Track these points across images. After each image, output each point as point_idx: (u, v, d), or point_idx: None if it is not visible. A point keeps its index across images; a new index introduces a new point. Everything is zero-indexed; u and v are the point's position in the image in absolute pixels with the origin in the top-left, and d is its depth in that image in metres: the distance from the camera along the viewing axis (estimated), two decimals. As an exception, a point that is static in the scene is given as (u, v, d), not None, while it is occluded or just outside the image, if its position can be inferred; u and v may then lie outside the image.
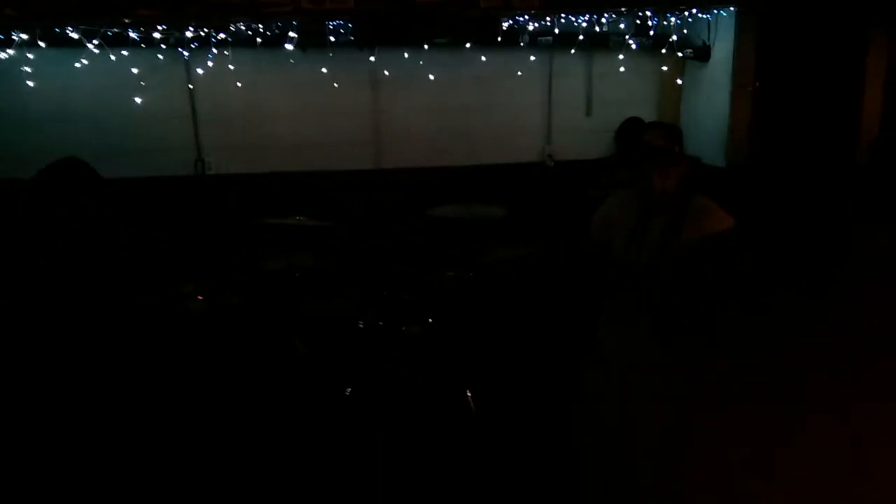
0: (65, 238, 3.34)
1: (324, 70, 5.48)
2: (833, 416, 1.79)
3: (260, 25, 4.98)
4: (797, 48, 5.15)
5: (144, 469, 3.14)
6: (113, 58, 5.05)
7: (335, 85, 5.61)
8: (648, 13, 5.27)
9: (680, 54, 5.66)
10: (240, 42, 5.20)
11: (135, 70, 5.27)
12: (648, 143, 2.66)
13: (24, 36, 4.68)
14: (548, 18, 5.33)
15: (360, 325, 3.94)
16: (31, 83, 5.07)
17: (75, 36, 4.64)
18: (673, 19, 5.41)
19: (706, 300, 2.42)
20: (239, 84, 5.50)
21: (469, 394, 3.72)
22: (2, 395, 3.09)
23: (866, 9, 4.64)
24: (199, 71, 5.44)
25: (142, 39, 4.99)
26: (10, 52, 4.82)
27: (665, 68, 5.88)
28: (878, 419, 1.80)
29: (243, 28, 5.04)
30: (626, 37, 5.52)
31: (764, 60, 5.31)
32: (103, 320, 3.29)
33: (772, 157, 5.36)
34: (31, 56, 4.97)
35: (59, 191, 3.41)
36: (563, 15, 5.27)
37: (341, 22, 5.01)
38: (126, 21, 4.31)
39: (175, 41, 5.13)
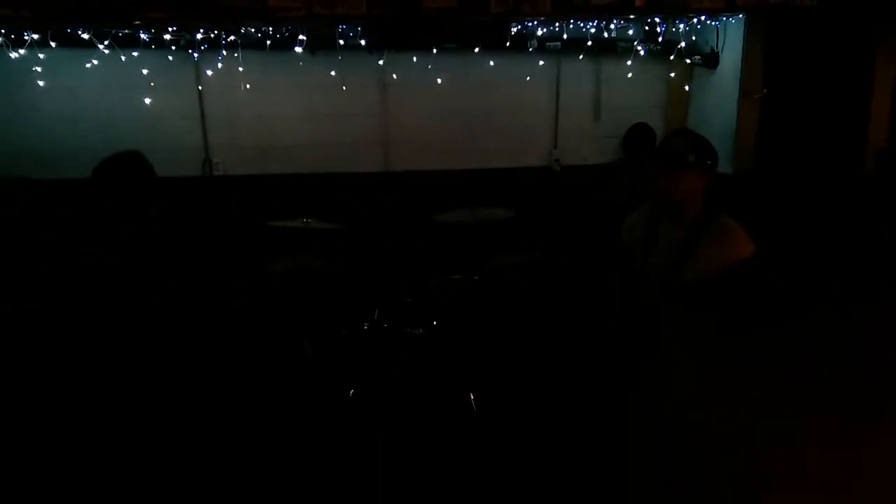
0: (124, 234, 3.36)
1: (333, 73, 5.50)
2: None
3: (270, 28, 5.01)
4: (805, 56, 5.14)
5: (149, 471, 3.16)
6: (123, 59, 5.09)
7: (344, 88, 5.63)
8: (657, 19, 5.28)
9: (688, 61, 5.66)
10: (249, 44, 5.23)
11: (145, 71, 5.30)
12: (663, 146, 2.64)
13: (36, 36, 4.73)
14: (556, 24, 5.34)
15: (365, 327, 3.96)
16: (41, 83, 5.11)
17: (86, 37, 4.67)
18: (681, 26, 5.41)
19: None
20: (248, 86, 5.53)
21: (472, 396, 3.73)
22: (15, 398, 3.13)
23: (874, 17, 4.63)
24: (209, 72, 5.47)
25: (152, 41, 5.03)
26: (22, 52, 4.86)
27: (673, 74, 5.88)
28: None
29: (253, 30, 5.06)
30: (635, 43, 5.53)
31: (772, 68, 5.31)
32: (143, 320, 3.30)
33: (779, 164, 5.35)
34: (42, 56, 5.01)
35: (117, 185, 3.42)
36: (571, 21, 5.28)
37: (351, 26, 5.03)
38: (137, 23, 4.34)
39: (185, 43, 5.16)
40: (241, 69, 5.40)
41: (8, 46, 4.84)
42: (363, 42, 5.19)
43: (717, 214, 2.58)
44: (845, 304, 2.17)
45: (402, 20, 4.30)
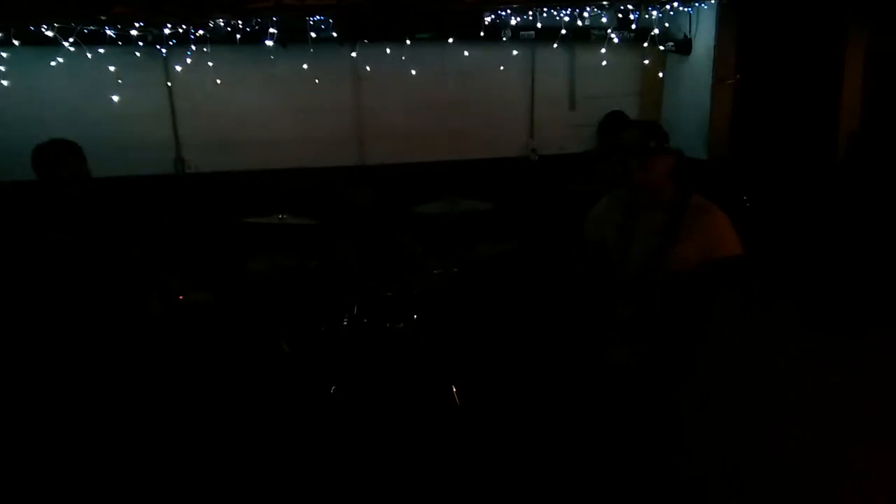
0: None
1: (305, 66, 5.43)
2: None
3: (239, 22, 4.93)
4: (777, 41, 5.17)
5: (128, 469, 3.12)
6: (89, 56, 4.98)
7: (316, 81, 5.56)
8: (630, 7, 5.28)
9: (661, 48, 5.67)
10: (219, 39, 5.14)
11: (112, 68, 5.19)
12: (623, 141, 2.67)
13: (-2, 34, 4.61)
14: (530, 13, 5.32)
15: (345, 323, 3.93)
16: (4, 82, 4.98)
17: (50, 34, 4.56)
18: (654, 13, 5.42)
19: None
20: (218, 81, 5.44)
21: (454, 389, 3.73)
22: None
23: (845, 3, 4.67)
24: (178, 68, 5.37)
25: (119, 37, 4.92)
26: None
27: (647, 62, 5.90)
28: None
29: (222, 24, 4.97)
30: (609, 30, 5.52)
31: (745, 53, 5.34)
32: (85, 321, 3.26)
33: (753, 149, 5.39)
34: (4, 55, 4.89)
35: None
36: (545, 9, 5.26)
37: (322, 17, 4.97)
38: (103, 19, 4.24)
39: (153, 39, 5.06)
40: (210, 64, 5.32)
41: (-31, 45, 4.72)
42: (335, 34, 5.13)
43: (689, 194, 2.65)
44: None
45: (374, 10, 4.25)
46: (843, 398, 1.76)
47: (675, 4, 5.25)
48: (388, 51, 5.52)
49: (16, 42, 4.68)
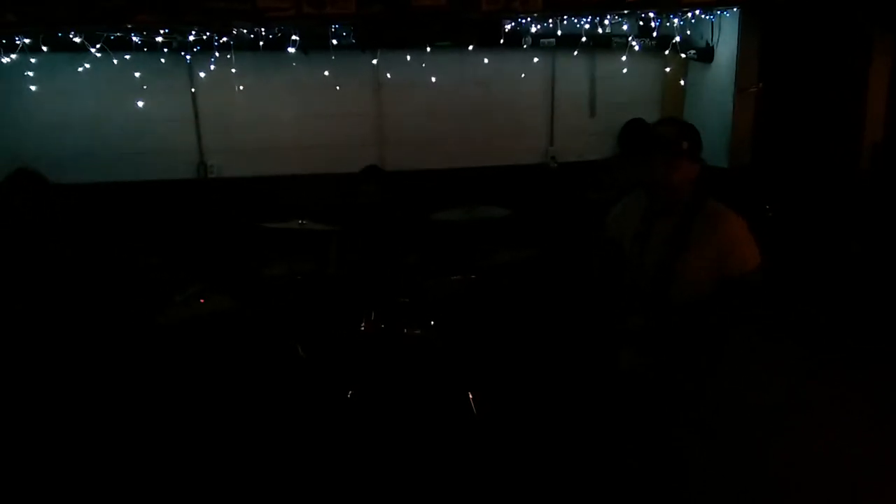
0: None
1: (326, 73, 5.48)
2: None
3: (262, 29, 4.98)
4: (801, 50, 5.12)
5: (145, 474, 3.15)
6: (115, 62, 5.07)
7: (337, 88, 5.61)
8: (651, 14, 5.25)
9: (683, 55, 5.64)
10: (242, 45, 5.20)
11: (137, 74, 5.28)
12: (657, 133, 2.60)
13: (27, 40, 4.70)
14: (550, 20, 5.32)
15: (362, 328, 3.94)
16: (33, 88, 5.08)
17: (78, 40, 4.64)
18: (676, 20, 5.39)
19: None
20: (241, 87, 5.50)
21: (471, 396, 3.72)
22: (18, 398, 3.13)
23: (870, 11, 4.60)
24: (202, 74, 5.44)
25: (144, 44, 5.00)
26: (13, 56, 4.83)
27: (668, 70, 5.86)
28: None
29: (245, 31, 5.03)
30: (629, 38, 5.50)
31: (767, 62, 5.29)
32: (105, 326, 3.30)
33: (775, 159, 5.33)
34: (33, 60, 4.99)
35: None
36: (565, 17, 5.25)
37: (343, 25, 5.00)
38: (128, 26, 4.31)
39: (177, 45, 5.13)
40: (233, 70, 5.38)
41: (-1, 51, 4.82)
42: (356, 41, 5.17)
43: (704, 201, 2.57)
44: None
45: (393, 19, 4.28)
46: (859, 438, 1.71)
47: (697, 12, 5.21)
48: (408, 58, 5.55)
49: (44, 48, 4.77)
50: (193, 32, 4.95)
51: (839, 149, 4.95)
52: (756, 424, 1.89)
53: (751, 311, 2.29)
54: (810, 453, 1.76)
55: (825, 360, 1.93)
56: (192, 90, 5.59)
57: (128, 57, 5.14)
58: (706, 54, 5.58)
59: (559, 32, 5.49)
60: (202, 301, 3.98)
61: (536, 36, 5.53)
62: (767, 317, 2.22)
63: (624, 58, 5.43)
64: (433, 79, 5.66)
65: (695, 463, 2.05)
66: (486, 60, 5.65)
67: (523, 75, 5.88)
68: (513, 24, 5.36)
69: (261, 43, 5.16)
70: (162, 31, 4.83)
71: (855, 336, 2.00)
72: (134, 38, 4.89)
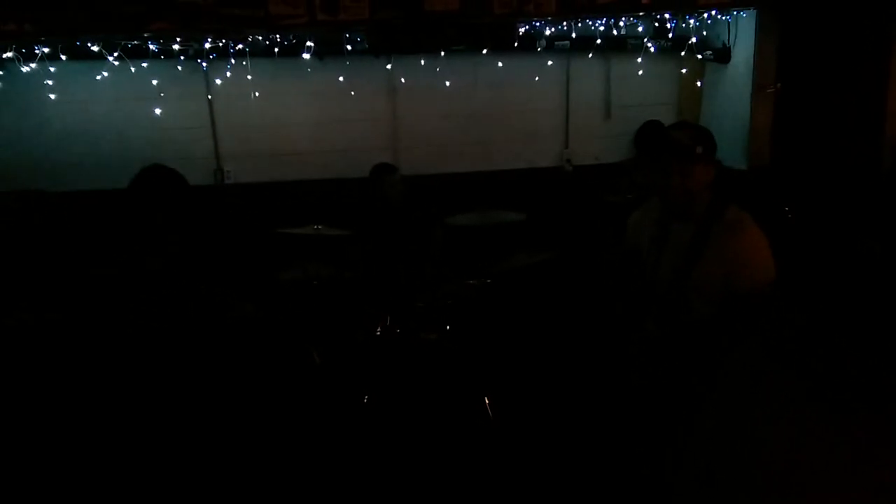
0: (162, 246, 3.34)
1: (341, 78, 5.50)
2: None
3: (277, 36, 5.01)
4: (819, 49, 5.05)
5: (161, 478, 3.17)
6: (133, 70, 5.12)
7: (352, 93, 5.63)
8: (667, 15, 5.22)
9: (699, 56, 5.59)
10: (257, 52, 5.24)
11: (154, 81, 5.33)
12: (671, 139, 2.56)
13: (46, 49, 4.76)
14: (564, 23, 5.30)
15: (378, 333, 3.95)
16: (53, 95, 5.15)
17: (96, 49, 4.70)
18: (692, 21, 5.35)
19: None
20: (257, 93, 5.54)
21: (487, 400, 3.71)
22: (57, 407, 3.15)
23: (889, 9, 4.54)
24: (218, 81, 5.49)
25: (161, 51, 5.06)
26: (33, 65, 4.90)
27: (684, 70, 5.82)
28: None
29: (260, 38, 5.07)
30: (645, 40, 5.47)
31: (785, 62, 5.23)
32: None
33: (794, 159, 5.27)
34: (52, 69, 5.05)
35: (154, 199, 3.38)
36: (579, 19, 5.23)
37: (357, 31, 5.02)
38: (146, 35, 4.36)
39: (194, 52, 5.18)
40: (249, 77, 5.41)
41: (19, 60, 4.89)
42: (369, 47, 5.19)
43: (725, 207, 2.50)
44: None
45: (406, 25, 4.29)
46: (861, 480, 1.66)
47: (714, 12, 5.17)
48: (422, 62, 5.56)
49: (63, 57, 4.84)
50: (209, 40, 5.00)
51: (859, 149, 4.88)
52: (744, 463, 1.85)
53: (756, 329, 2.23)
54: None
55: (830, 391, 1.87)
56: (209, 97, 5.64)
57: (145, 65, 5.20)
58: (723, 55, 5.53)
59: (573, 35, 5.48)
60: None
61: (551, 39, 5.52)
62: (776, 334, 2.16)
63: (639, 59, 5.40)
64: (447, 83, 5.67)
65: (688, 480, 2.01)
66: (500, 64, 5.64)
67: (538, 78, 5.86)
68: (527, 27, 5.35)
69: (276, 49, 5.20)
70: (178, 39, 4.88)
71: (868, 360, 1.94)
72: (151, 46, 4.95)
